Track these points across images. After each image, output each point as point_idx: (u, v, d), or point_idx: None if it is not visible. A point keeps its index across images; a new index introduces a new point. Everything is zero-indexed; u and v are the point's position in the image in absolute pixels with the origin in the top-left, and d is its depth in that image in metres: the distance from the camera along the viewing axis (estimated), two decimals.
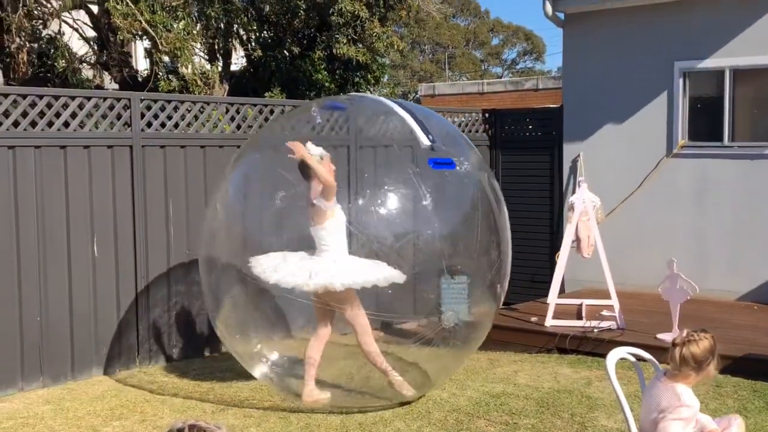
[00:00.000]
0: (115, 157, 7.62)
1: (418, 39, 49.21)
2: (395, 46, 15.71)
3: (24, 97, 7.13)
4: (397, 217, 6.15)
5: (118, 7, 11.97)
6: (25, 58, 15.52)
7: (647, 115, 10.11)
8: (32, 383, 7.10)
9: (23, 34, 13.85)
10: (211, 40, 14.87)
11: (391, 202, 6.14)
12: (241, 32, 15.00)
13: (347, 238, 6.20)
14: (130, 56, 17.71)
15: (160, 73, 14.32)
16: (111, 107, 7.64)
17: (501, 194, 6.67)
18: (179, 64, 13.75)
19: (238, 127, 8.63)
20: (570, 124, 10.67)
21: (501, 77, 49.34)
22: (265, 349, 6.59)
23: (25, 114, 7.09)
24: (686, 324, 7.60)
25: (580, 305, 9.07)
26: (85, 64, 16.56)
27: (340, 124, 8.83)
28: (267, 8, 14.61)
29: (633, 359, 4.47)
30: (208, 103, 8.52)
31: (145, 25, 12.23)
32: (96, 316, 7.49)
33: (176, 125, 8.07)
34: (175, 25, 12.94)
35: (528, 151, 10.93)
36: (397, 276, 6.16)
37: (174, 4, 13.02)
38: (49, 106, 7.25)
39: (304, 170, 6.18)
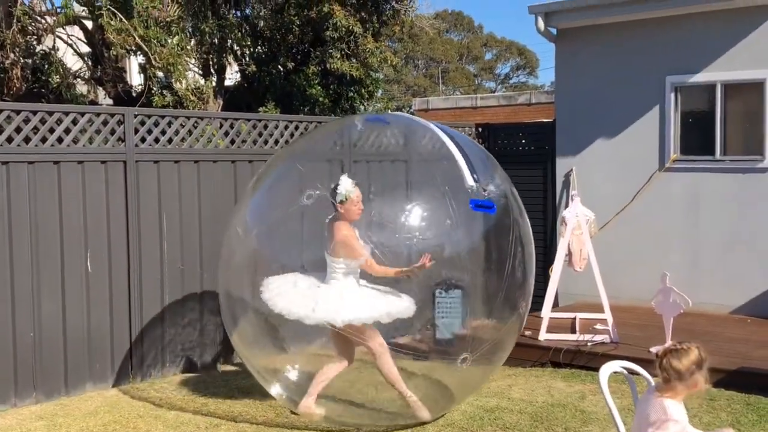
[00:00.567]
0: (108, 172, 7.62)
1: (411, 54, 49.37)
2: (389, 61, 15.77)
3: (18, 112, 7.14)
4: (422, 234, 6.13)
5: (112, 22, 12.00)
6: (19, 74, 15.52)
7: (639, 130, 10.15)
8: (25, 399, 7.08)
9: (17, 49, 13.86)
10: (205, 56, 14.90)
11: (417, 218, 6.12)
12: (235, 47, 15.03)
13: (359, 269, 6.16)
14: (125, 71, 17.75)
15: (154, 89, 14.33)
16: (105, 122, 7.65)
17: (524, 208, 6.63)
18: (173, 80, 13.77)
19: (232, 142, 8.65)
20: (562, 138, 10.72)
21: (494, 92, 49.52)
22: (282, 364, 6.56)
23: (18, 130, 7.10)
24: (680, 337, 7.63)
25: (574, 319, 9.08)
26: (79, 80, 16.57)
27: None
28: (261, 24, 14.66)
29: (626, 373, 4.47)
30: (201, 118, 8.54)
31: (138, 40, 12.26)
32: (89, 331, 7.47)
33: (170, 140, 8.08)
34: (169, 41, 12.97)
35: (521, 166, 10.95)
36: (403, 311, 6.13)
37: (168, 19, 13.05)
38: (42, 121, 7.26)
39: (332, 200, 6.15)
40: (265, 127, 8.89)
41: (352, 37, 13.97)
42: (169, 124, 8.11)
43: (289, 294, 6.06)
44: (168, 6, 13.13)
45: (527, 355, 8.23)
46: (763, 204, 9.41)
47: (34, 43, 14.64)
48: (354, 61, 14.57)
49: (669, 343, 4.15)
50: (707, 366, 4.08)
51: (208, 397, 7.16)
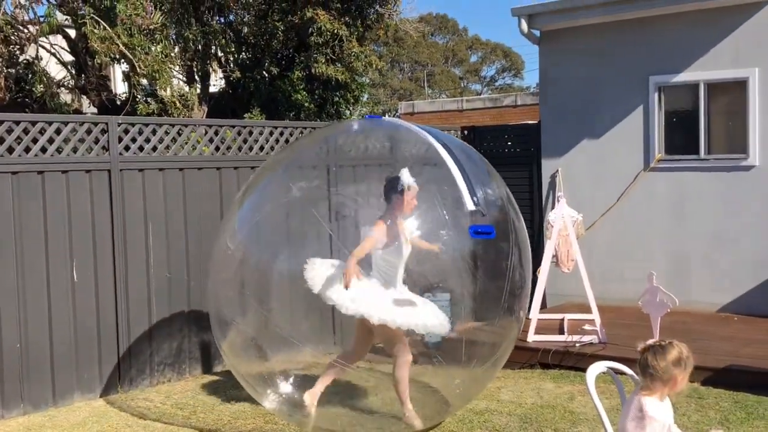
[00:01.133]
0: (93, 181, 7.59)
1: (397, 57, 49.44)
2: (374, 65, 15.78)
3: (1, 123, 7.10)
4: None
5: (96, 31, 11.97)
6: (2, 84, 15.45)
7: (624, 130, 10.19)
8: (12, 410, 7.03)
9: (0, 59, 13.81)
10: (189, 63, 14.88)
11: (413, 224, 6.10)
12: (220, 54, 15.01)
13: (404, 266, 6.10)
14: (109, 80, 17.69)
15: (139, 96, 14.29)
16: (89, 131, 7.62)
17: (520, 212, 6.62)
18: (158, 87, 13.73)
19: (217, 148, 8.63)
20: (548, 140, 10.75)
21: (480, 94, 49.62)
22: (272, 375, 6.47)
23: (2, 140, 7.06)
24: (667, 336, 7.65)
25: (562, 320, 9.10)
26: (63, 89, 16.51)
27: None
28: (245, 29, 14.65)
29: (613, 373, 4.48)
30: (186, 126, 8.52)
31: (122, 48, 12.23)
32: (77, 341, 7.44)
33: (154, 148, 8.06)
34: (152, 48, 12.94)
35: (507, 167, 10.92)
36: (438, 326, 6.13)
37: (152, 27, 13.03)
38: (26, 131, 7.22)
39: (388, 192, 6.10)
40: (250, 133, 8.88)
41: (336, 41, 13.98)
42: (154, 131, 8.08)
43: (329, 278, 6.02)
44: (151, 14, 13.12)
45: (516, 357, 8.19)
46: (748, 202, 9.46)
47: (17, 52, 14.58)
48: (339, 65, 14.58)
49: (651, 340, 4.15)
50: (690, 365, 4.07)
51: (197, 406, 7.13)
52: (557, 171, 10.57)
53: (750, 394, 6.79)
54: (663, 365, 3.97)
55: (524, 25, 10.50)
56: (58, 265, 7.32)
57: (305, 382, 6.38)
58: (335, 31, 13.60)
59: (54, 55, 15.31)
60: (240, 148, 8.75)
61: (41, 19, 13.34)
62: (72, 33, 14.36)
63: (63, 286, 7.35)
